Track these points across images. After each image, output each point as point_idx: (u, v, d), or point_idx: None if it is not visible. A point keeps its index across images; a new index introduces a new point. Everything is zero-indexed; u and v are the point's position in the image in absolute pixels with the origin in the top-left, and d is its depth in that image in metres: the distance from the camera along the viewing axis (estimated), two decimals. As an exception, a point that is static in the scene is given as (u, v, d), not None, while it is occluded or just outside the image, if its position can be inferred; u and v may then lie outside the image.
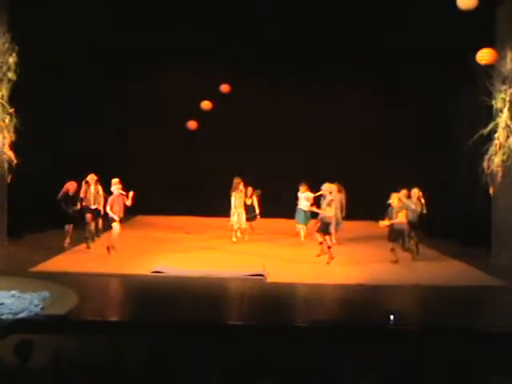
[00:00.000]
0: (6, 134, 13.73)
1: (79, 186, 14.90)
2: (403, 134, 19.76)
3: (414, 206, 14.01)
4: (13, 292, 9.80)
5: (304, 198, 15.74)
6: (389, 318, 8.97)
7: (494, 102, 13.32)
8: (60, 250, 13.84)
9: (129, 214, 19.27)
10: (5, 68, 13.65)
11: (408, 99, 19.52)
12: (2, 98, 13.76)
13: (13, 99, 13.87)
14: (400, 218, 13.40)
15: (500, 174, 13.22)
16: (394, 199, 13.53)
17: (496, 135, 13.28)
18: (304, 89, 20.25)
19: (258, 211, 16.46)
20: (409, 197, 14.19)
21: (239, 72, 19.97)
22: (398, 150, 19.89)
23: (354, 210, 18.11)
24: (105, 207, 14.18)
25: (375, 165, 20.38)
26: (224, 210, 16.21)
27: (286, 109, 20.53)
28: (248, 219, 16.25)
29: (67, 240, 14.31)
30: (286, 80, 20.17)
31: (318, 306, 10.32)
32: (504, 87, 13.15)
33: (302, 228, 15.96)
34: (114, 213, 13.74)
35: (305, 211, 15.71)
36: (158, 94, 20.50)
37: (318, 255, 13.80)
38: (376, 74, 19.62)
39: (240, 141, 20.37)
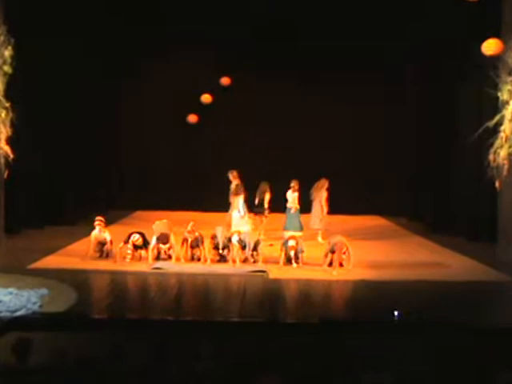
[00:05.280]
0: (3, 129, 13.66)
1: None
2: (405, 128, 19.75)
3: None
4: (10, 289, 9.74)
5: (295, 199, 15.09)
6: (393, 313, 8.96)
7: (499, 94, 13.25)
8: (59, 246, 13.75)
9: (127, 209, 19.56)
10: (0, 61, 13.59)
11: (411, 91, 19.51)
12: (-2, 92, 13.71)
13: (9, 93, 13.83)
14: None
15: (506, 167, 13.12)
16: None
17: (502, 128, 13.19)
18: (309, 82, 20.15)
19: (266, 206, 15.81)
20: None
21: (240, 64, 19.90)
22: (400, 145, 19.91)
23: (356, 205, 18.27)
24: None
25: (377, 159, 20.43)
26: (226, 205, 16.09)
27: (290, 102, 20.44)
28: (255, 213, 15.88)
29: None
30: (289, 72, 20.06)
31: (321, 302, 10.33)
32: (510, 78, 13.07)
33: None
34: None
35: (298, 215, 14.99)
36: (157, 88, 20.44)
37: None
38: (378, 66, 19.62)
39: (241, 134, 20.33)
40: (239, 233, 12.94)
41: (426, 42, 17.58)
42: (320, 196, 15.50)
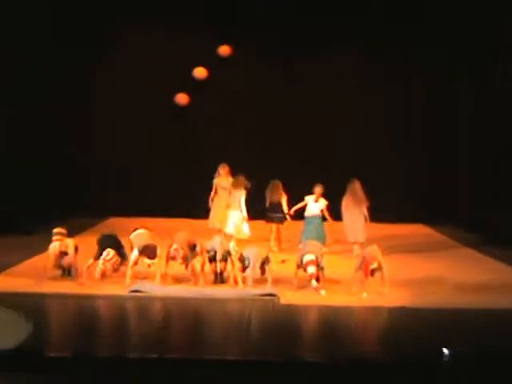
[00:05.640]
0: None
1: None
2: (455, 120, 20.02)
3: None
4: None
5: (319, 206, 15.47)
6: (441, 351, 8.73)
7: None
8: (8, 263, 13.60)
9: (99, 216, 19.50)
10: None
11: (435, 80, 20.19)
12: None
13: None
14: None
15: None
16: None
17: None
18: (330, 61, 20.50)
19: (286, 211, 16.01)
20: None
21: (242, 30, 19.85)
22: (448, 139, 20.27)
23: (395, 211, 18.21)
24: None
25: (421, 157, 20.65)
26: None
27: (305, 83, 20.58)
28: (272, 220, 16.05)
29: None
30: (300, 39, 20.16)
31: (346, 336, 10.18)
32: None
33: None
34: None
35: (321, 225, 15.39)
36: (137, 60, 20.41)
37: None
38: (399, 48, 20.22)
39: (242, 118, 20.47)
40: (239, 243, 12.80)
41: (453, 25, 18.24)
42: (360, 201, 15.57)
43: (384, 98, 20.68)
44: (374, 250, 12.21)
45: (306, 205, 15.53)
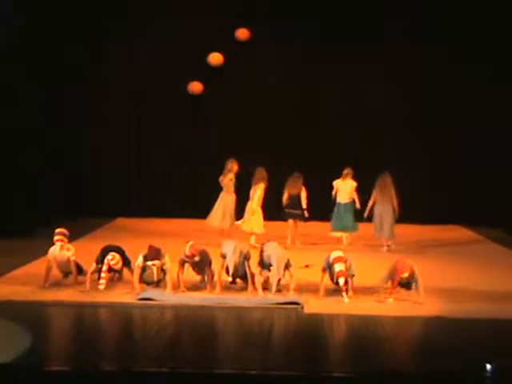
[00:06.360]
0: None
1: None
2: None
3: None
4: None
5: (349, 190, 16.02)
6: (484, 366, 8.75)
7: None
8: (2, 269, 13.64)
9: (107, 216, 19.59)
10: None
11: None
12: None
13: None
14: None
15: None
16: None
17: None
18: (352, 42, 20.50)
19: (305, 206, 16.33)
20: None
21: (262, 11, 19.86)
22: (492, 133, 20.37)
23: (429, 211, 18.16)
24: None
25: (458, 151, 20.69)
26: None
27: (332, 71, 20.71)
28: (291, 217, 16.30)
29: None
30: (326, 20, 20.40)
31: (376, 348, 10.14)
32: None
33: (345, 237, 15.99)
34: None
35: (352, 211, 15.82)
36: (144, 47, 20.61)
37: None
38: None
39: (261, 110, 20.53)
40: (261, 244, 12.83)
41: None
42: (389, 196, 15.94)
43: (416, 94, 20.71)
44: (406, 260, 12.27)
45: (336, 191, 16.12)
